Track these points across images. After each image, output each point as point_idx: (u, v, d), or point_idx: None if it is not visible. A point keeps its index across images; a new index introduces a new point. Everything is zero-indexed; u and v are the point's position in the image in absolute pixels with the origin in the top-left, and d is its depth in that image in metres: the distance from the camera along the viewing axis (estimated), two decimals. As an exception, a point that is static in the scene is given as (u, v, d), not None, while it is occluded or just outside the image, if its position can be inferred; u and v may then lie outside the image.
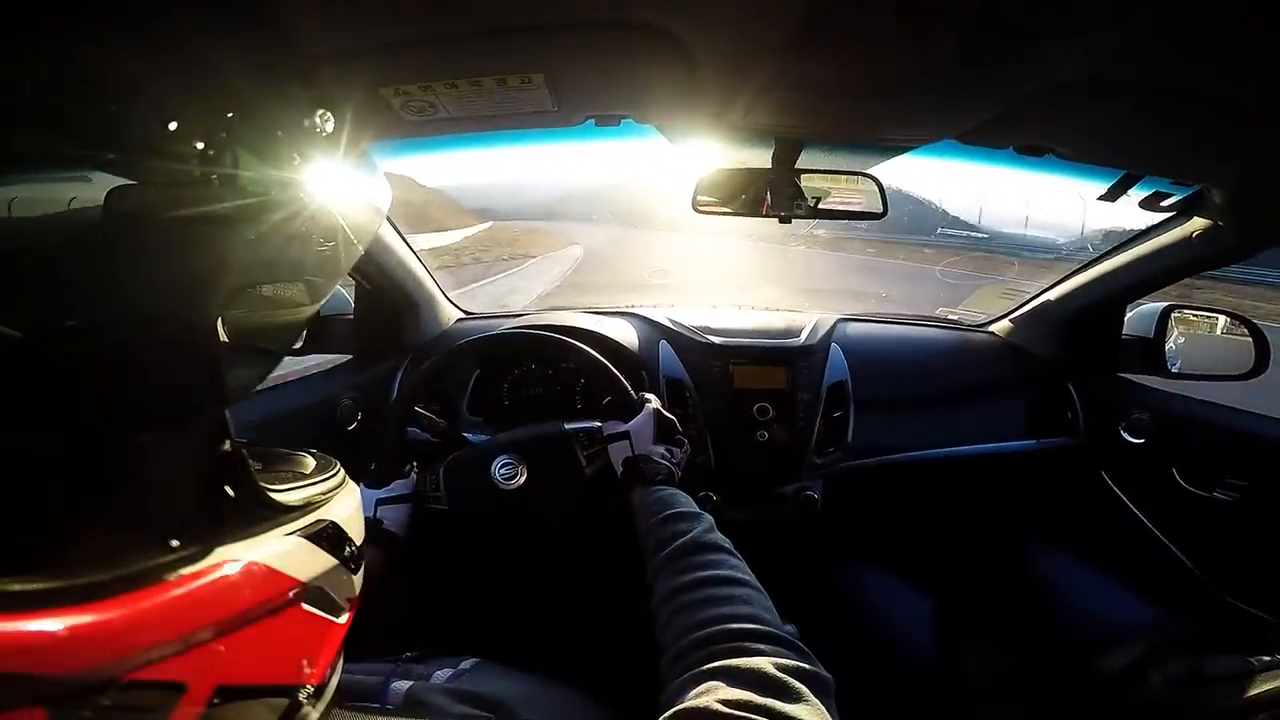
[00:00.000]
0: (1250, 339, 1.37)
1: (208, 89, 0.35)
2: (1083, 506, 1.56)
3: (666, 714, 0.44)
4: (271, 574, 0.38)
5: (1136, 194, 1.10)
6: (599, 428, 1.02)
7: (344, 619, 0.47)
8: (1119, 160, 0.99)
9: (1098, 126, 0.82)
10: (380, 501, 0.99)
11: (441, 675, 0.68)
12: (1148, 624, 1.18)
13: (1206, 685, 1.00)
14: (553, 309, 1.82)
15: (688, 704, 0.45)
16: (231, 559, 0.35)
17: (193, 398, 0.36)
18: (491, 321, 1.73)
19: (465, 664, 0.73)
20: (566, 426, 1.04)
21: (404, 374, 1.51)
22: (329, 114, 0.40)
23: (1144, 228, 1.32)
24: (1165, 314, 1.43)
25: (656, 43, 0.68)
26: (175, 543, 0.32)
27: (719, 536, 0.73)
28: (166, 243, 0.36)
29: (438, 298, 1.63)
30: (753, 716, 0.41)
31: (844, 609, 1.36)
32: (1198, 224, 1.15)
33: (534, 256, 15.75)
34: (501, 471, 1.01)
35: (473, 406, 1.48)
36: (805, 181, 1.09)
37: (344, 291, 1.47)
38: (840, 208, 1.10)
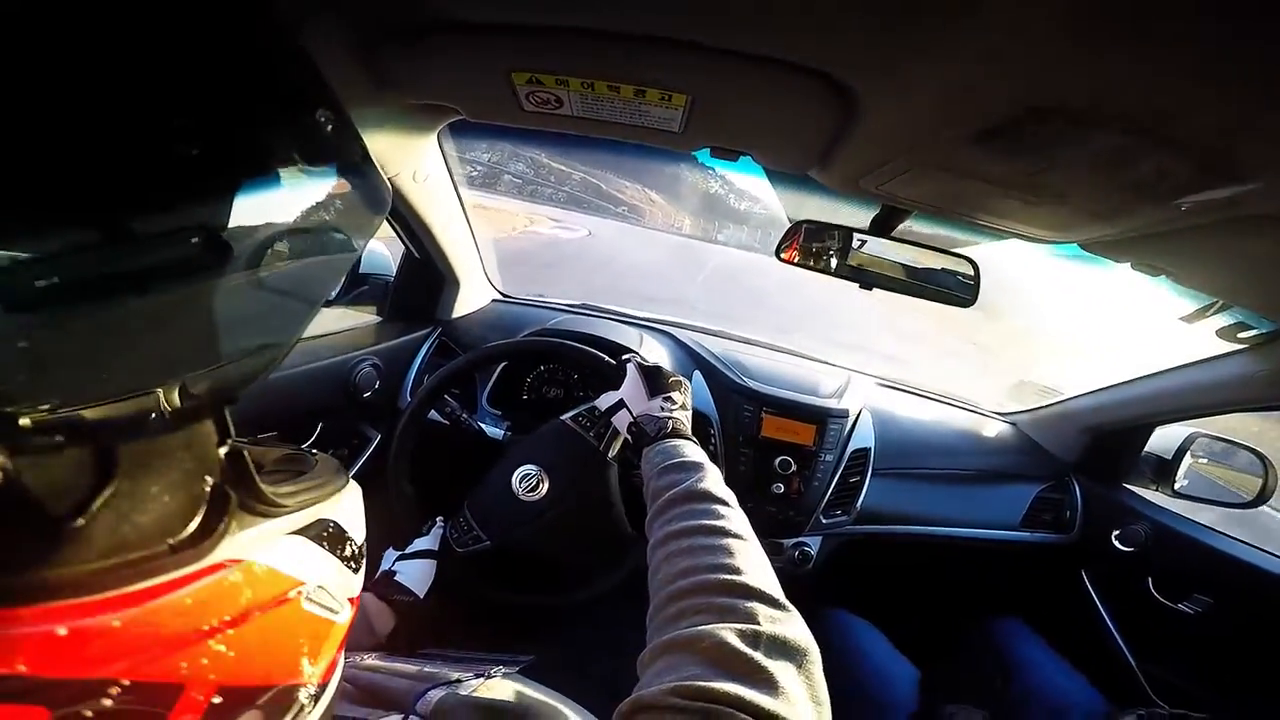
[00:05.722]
0: (1262, 475, 1.40)
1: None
2: (1057, 598, 1.62)
3: (623, 703, 0.41)
4: (272, 574, 0.38)
5: (1216, 321, 1.08)
6: (593, 406, 1.00)
7: (345, 618, 0.46)
8: (1224, 289, 0.96)
9: (1222, 257, 0.79)
10: (401, 557, 0.95)
11: (470, 684, 0.65)
12: (1096, 711, 1.26)
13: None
14: (586, 309, 1.75)
15: (644, 693, 0.41)
16: (232, 559, 0.35)
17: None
18: (526, 308, 1.68)
19: (494, 672, 0.70)
20: (563, 417, 1.03)
21: (427, 350, 1.46)
22: (329, 111, 0.37)
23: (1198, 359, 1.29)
24: (1189, 439, 1.46)
25: (829, 97, 0.63)
26: (175, 542, 0.32)
27: (713, 486, 0.68)
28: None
29: (479, 275, 1.58)
30: (711, 706, 0.38)
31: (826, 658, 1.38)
32: (1267, 364, 1.13)
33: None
34: (523, 483, 0.98)
35: (492, 398, 1.44)
36: (897, 251, 1.03)
37: (388, 252, 1.40)
38: (929, 286, 1.04)
